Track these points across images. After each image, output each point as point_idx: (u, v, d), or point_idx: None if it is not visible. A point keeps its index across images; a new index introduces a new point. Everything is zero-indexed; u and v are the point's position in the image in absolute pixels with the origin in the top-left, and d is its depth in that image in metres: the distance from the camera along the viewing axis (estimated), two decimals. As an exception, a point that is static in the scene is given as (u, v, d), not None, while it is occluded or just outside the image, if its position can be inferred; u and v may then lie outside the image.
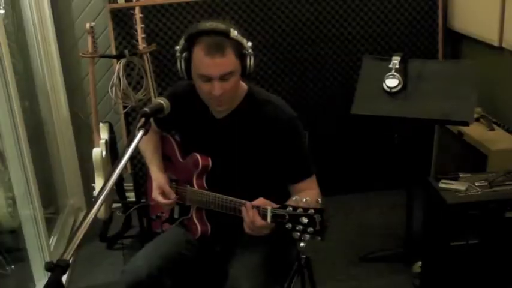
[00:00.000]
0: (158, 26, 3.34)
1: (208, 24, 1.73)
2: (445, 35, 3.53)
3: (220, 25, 1.73)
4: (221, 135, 1.91)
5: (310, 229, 1.50)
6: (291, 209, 1.53)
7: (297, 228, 1.51)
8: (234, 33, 1.73)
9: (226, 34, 1.72)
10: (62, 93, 3.50)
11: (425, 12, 3.48)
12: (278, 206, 1.60)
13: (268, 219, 1.59)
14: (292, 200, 1.57)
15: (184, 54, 1.77)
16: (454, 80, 2.58)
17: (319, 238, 1.50)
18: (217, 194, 1.82)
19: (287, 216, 1.54)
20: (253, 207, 1.64)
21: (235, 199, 1.75)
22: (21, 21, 3.24)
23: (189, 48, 1.75)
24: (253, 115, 1.87)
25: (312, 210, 1.50)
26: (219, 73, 1.71)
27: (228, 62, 1.72)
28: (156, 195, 1.95)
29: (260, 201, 1.65)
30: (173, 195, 1.95)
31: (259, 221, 1.63)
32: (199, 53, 1.72)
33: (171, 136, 2.10)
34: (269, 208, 1.59)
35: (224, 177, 1.92)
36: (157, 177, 2.00)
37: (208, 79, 1.73)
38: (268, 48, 3.44)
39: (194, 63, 1.76)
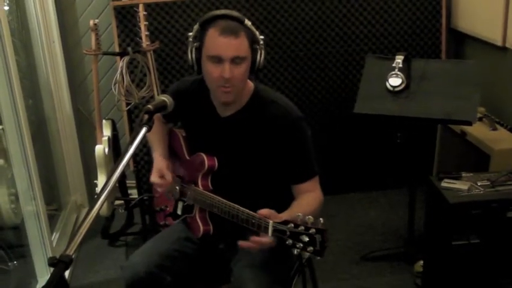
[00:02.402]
0: (162, 24, 3.34)
1: (224, 11, 1.76)
2: (449, 35, 3.53)
3: (235, 12, 1.76)
4: (226, 134, 1.90)
5: (310, 248, 1.50)
6: (292, 225, 1.53)
7: (297, 245, 1.51)
8: (248, 22, 1.75)
9: (241, 21, 1.74)
10: (65, 90, 3.50)
11: (428, 12, 3.48)
12: (281, 218, 1.59)
13: (270, 233, 1.59)
14: (295, 216, 1.56)
15: (196, 44, 1.77)
16: (457, 80, 2.57)
17: (318, 257, 1.51)
18: (222, 199, 1.80)
19: (288, 233, 1.54)
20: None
21: (237, 206, 1.73)
22: (25, 18, 3.24)
23: (202, 32, 1.75)
24: (258, 115, 1.85)
25: (314, 230, 1.49)
26: (231, 54, 1.70)
27: (242, 45, 1.72)
28: (154, 177, 1.94)
29: (265, 211, 1.63)
30: (169, 177, 1.93)
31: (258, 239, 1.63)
32: (213, 34, 1.72)
33: (179, 132, 2.10)
34: (271, 222, 1.58)
35: (229, 176, 1.91)
36: (158, 160, 1.99)
37: (219, 60, 1.72)
38: (271, 47, 3.44)
39: (206, 45, 1.74)
